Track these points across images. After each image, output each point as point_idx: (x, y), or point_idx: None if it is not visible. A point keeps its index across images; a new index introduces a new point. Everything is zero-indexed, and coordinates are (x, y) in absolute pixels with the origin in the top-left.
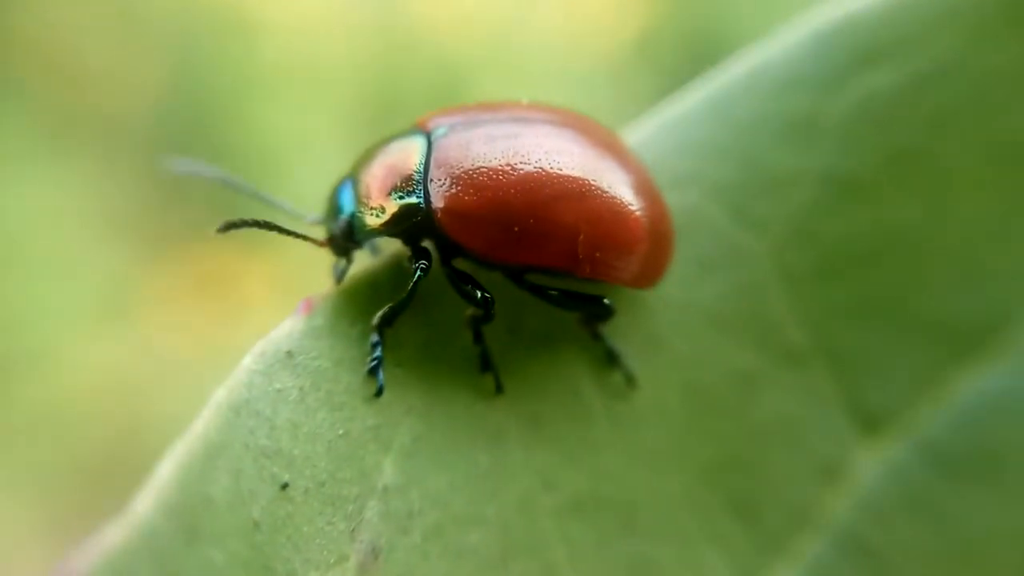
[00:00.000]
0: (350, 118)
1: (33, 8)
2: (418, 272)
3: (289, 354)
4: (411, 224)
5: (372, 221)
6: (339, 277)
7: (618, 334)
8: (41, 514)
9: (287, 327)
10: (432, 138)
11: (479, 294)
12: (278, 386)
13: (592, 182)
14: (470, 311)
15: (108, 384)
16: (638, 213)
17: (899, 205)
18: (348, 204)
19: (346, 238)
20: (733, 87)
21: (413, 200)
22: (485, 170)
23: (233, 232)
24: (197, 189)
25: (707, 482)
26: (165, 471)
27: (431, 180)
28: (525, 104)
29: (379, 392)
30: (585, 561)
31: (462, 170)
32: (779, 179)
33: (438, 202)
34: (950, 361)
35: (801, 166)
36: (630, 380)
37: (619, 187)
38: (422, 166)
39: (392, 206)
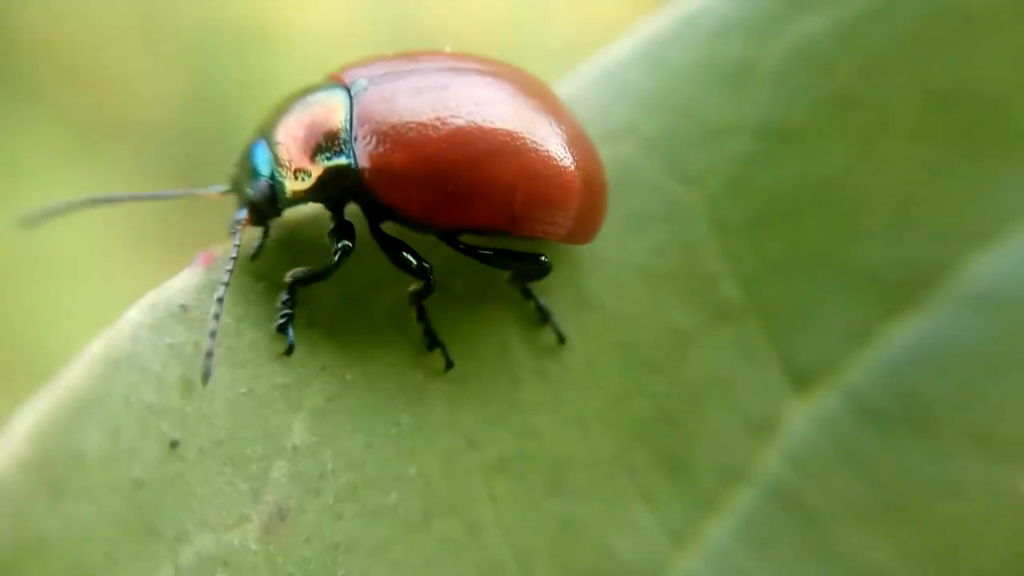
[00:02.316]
0: None
1: (58, 18)
2: (339, 253)
3: (183, 307)
4: (338, 188)
5: (295, 186)
6: (256, 251)
7: (549, 292)
8: None
9: (182, 280)
10: (352, 92)
11: (415, 262)
12: (169, 340)
13: (528, 135)
14: (412, 287)
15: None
16: (574, 167)
17: (833, 154)
18: (265, 167)
19: (267, 205)
20: (667, 34)
21: (342, 161)
22: (414, 125)
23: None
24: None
25: (638, 440)
26: (22, 426)
27: (355, 138)
28: (449, 53)
29: (289, 350)
30: (512, 520)
31: (389, 126)
32: (714, 129)
33: (365, 162)
34: (882, 313)
35: (736, 116)
36: (560, 338)
37: (554, 140)
38: (348, 123)
39: (318, 168)
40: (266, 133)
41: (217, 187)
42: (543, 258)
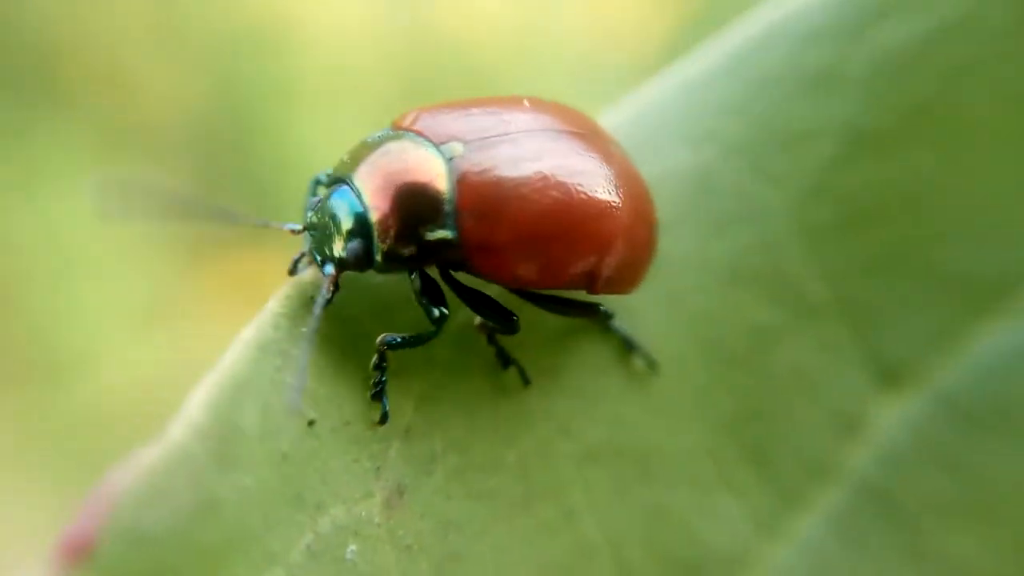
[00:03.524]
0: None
1: (80, 23)
2: (438, 322)
3: (313, 299)
4: (434, 258)
5: (393, 254)
6: (326, 303)
7: (637, 292)
8: None
9: (311, 274)
10: (449, 159)
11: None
12: (303, 328)
13: (613, 199)
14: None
15: (148, 384)
16: (651, 227)
17: (918, 158)
18: (359, 228)
19: (358, 265)
20: (750, 44)
21: (446, 234)
22: (516, 200)
23: (271, 237)
24: (236, 197)
25: (724, 434)
26: (196, 402)
27: (460, 212)
28: (530, 105)
29: (383, 419)
30: (603, 506)
31: (492, 201)
32: (798, 134)
33: (468, 236)
34: (969, 315)
35: (820, 120)
36: (651, 365)
37: (636, 205)
38: (450, 195)
39: (419, 240)
40: (352, 181)
41: (292, 224)
42: (603, 307)
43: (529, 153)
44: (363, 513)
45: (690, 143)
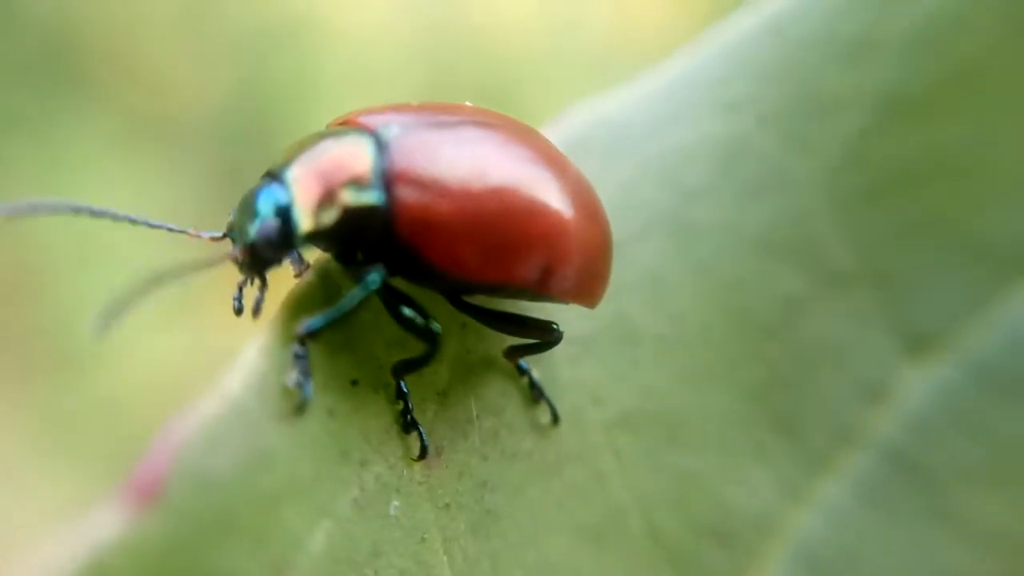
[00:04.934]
0: None
1: (105, 14)
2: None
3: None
4: (358, 231)
5: (317, 219)
6: (256, 306)
7: (666, 259)
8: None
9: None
10: (384, 137)
11: (424, 324)
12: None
13: (562, 193)
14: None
15: (170, 376)
16: (602, 227)
17: (952, 126)
18: (274, 206)
19: (271, 246)
20: (784, 11)
21: (370, 199)
22: (458, 175)
23: None
24: None
25: (752, 401)
26: (251, 355)
27: (396, 183)
28: (470, 107)
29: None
30: (634, 472)
31: (432, 174)
32: (831, 102)
33: (402, 209)
34: (1000, 282)
35: (854, 88)
36: (555, 418)
37: (583, 198)
38: (376, 162)
39: (342, 204)
40: (277, 174)
41: (213, 232)
42: (555, 326)
43: (473, 137)
44: (404, 471)
45: (722, 111)
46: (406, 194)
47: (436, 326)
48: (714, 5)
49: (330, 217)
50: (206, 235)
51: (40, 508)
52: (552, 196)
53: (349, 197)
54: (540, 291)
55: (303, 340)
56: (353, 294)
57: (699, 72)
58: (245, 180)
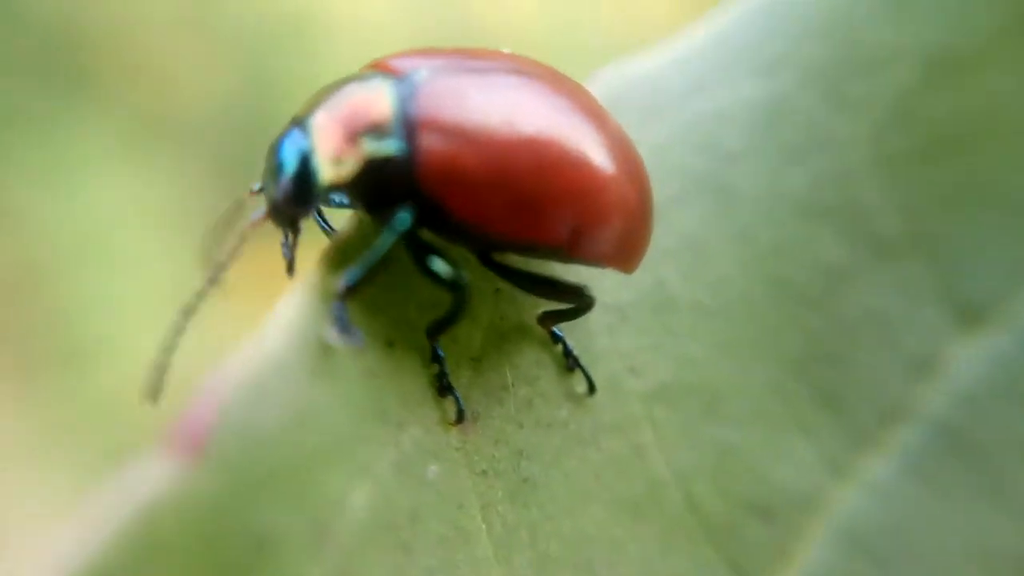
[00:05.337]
0: None
1: (110, 12)
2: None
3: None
4: (381, 180)
5: (336, 171)
6: (289, 258)
7: (705, 225)
8: None
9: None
10: (412, 81)
11: (451, 274)
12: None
13: (601, 149)
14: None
15: (171, 373)
16: (639, 185)
17: (1005, 84)
18: (299, 154)
19: (294, 197)
20: None
21: (390, 147)
22: (487, 123)
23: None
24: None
25: (794, 374)
26: (287, 313)
27: (420, 129)
28: (508, 54)
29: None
30: (672, 443)
31: (460, 120)
32: (877, 58)
33: (428, 158)
34: None
35: (902, 43)
36: (591, 387)
37: (625, 156)
38: (398, 109)
39: (364, 151)
40: (299, 122)
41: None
42: (586, 290)
43: (503, 83)
44: (441, 436)
45: (763, 71)
46: (431, 142)
47: (465, 276)
48: (719, 4)
49: (351, 167)
50: (253, 188)
51: (40, 505)
52: (588, 151)
53: (368, 146)
54: (572, 252)
55: (342, 296)
56: (383, 238)
57: (736, 31)
58: (249, 175)
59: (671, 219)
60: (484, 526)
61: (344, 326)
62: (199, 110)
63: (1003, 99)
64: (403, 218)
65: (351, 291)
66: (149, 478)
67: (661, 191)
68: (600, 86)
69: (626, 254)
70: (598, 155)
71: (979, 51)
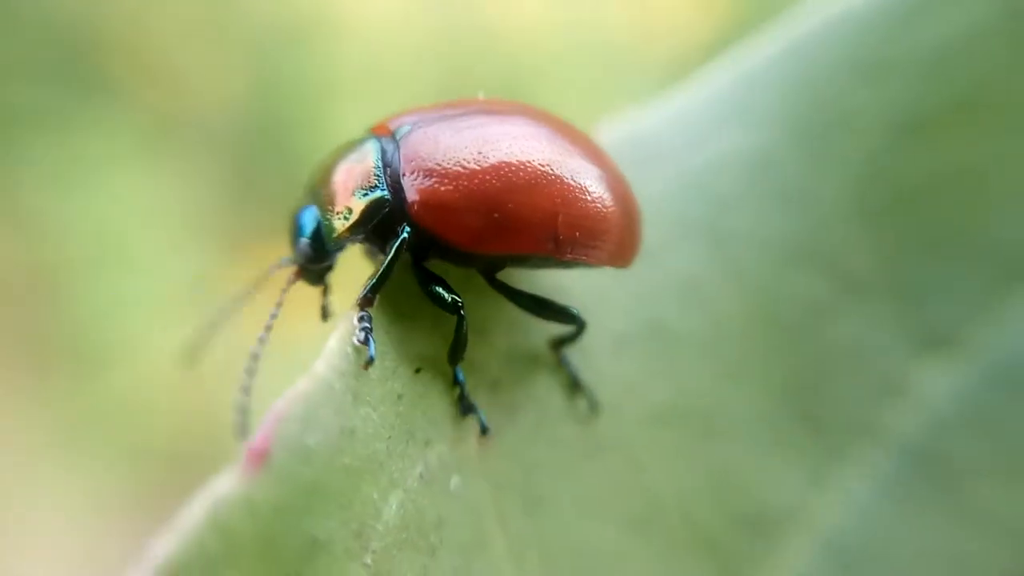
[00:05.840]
0: None
1: (126, 15)
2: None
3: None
4: (381, 220)
5: (341, 224)
6: (323, 305)
7: (699, 264)
8: (128, 489)
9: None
10: (397, 136)
11: (449, 297)
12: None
13: (562, 164)
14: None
15: (185, 373)
16: (609, 193)
17: (966, 144)
18: (311, 219)
19: (315, 253)
20: (807, 34)
21: (379, 194)
22: (458, 159)
23: None
24: (275, 190)
25: (779, 399)
26: (334, 344)
27: (404, 176)
28: (482, 99)
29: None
30: (669, 462)
31: (434, 162)
32: (852, 120)
33: (413, 196)
34: (1013, 285)
35: (874, 107)
36: (594, 407)
37: (587, 169)
38: (379, 161)
39: (359, 204)
40: (308, 195)
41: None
42: (575, 311)
43: (472, 123)
44: (462, 451)
45: (749, 126)
46: (414, 183)
47: (458, 298)
48: (732, 3)
49: (354, 217)
50: (283, 261)
51: (57, 503)
52: (555, 168)
53: (361, 199)
54: (562, 257)
55: (362, 304)
56: (390, 248)
57: (724, 90)
58: (262, 176)
59: (668, 259)
60: (501, 535)
61: (365, 331)
62: (213, 111)
63: (966, 159)
64: (404, 230)
65: (368, 300)
66: (224, 487)
67: (658, 234)
68: (602, 140)
69: (616, 252)
70: (566, 170)
71: (940, 116)
